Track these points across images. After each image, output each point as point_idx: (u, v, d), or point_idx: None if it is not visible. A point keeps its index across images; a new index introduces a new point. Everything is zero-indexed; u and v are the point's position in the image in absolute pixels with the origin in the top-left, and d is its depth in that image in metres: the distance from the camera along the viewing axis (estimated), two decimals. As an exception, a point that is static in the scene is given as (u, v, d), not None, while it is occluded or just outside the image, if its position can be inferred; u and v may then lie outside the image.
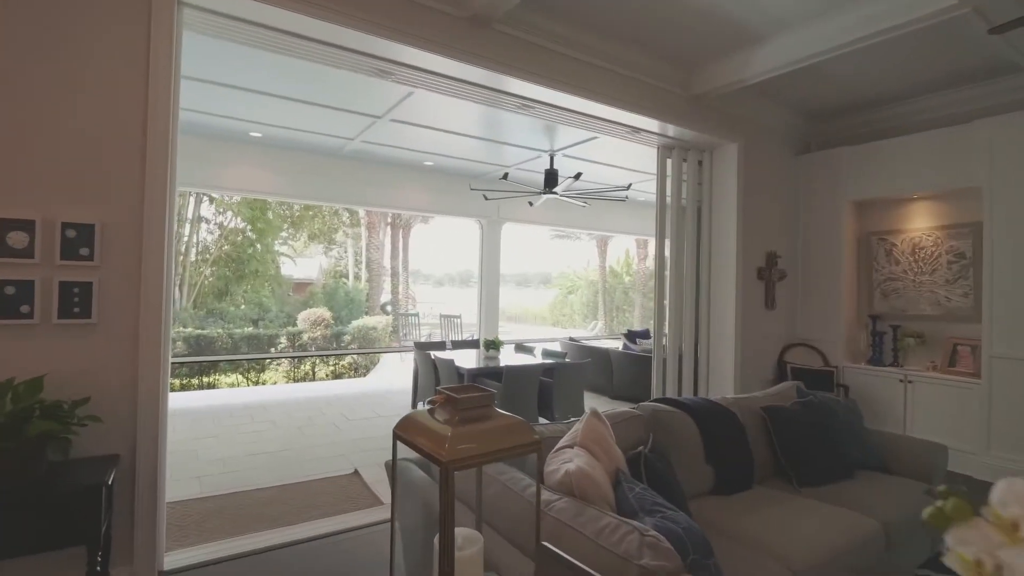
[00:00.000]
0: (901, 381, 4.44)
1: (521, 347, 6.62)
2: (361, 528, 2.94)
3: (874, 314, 4.83)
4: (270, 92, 4.49)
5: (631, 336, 8.77)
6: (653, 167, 6.88)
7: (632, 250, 20.05)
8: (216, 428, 5.14)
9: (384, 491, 3.62)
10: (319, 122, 5.30)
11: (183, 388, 8.83)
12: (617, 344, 10.74)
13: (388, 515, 3.10)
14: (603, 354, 7.20)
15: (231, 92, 4.48)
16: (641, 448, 1.82)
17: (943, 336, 4.46)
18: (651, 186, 7.80)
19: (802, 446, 2.63)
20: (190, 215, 12.64)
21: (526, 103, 3.56)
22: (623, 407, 2.32)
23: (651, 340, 8.66)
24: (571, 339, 8.36)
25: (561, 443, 1.77)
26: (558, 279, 22.54)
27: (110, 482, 1.83)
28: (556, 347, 7.79)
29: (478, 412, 0.93)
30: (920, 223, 4.64)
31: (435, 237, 21.93)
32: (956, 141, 4.15)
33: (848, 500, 2.35)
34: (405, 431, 0.95)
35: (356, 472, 3.99)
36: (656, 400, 2.53)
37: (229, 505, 3.37)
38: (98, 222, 2.07)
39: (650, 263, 19.60)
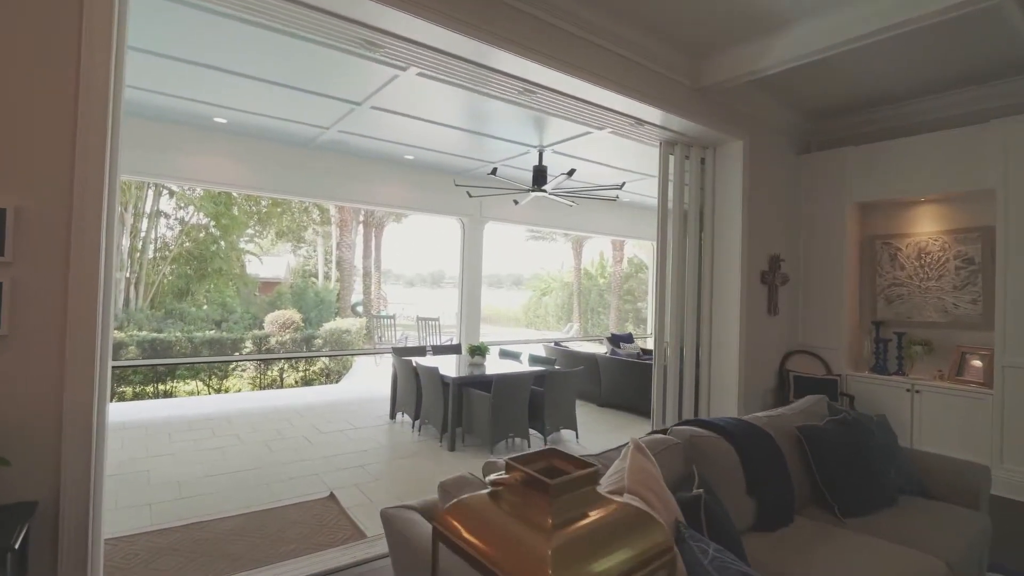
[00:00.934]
0: (908, 391, 4.27)
1: (506, 353, 6.27)
2: (342, 570, 2.54)
3: (877, 321, 4.66)
4: (238, 71, 4.02)
5: (615, 340, 8.52)
6: (643, 167, 6.69)
7: (607, 252, 19.93)
8: (172, 444, 4.62)
9: (365, 518, 3.22)
10: (292, 108, 4.84)
11: (136, 397, 8.14)
12: (595, 347, 10.49)
13: (373, 551, 2.72)
14: (590, 359, 6.91)
15: (193, 70, 3.99)
16: (700, 492, 1.50)
17: (950, 344, 4.31)
18: (639, 186, 7.59)
19: (842, 470, 2.37)
20: (148, 209, 11.87)
21: (528, 87, 3.22)
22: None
23: (635, 344, 8.47)
24: (556, 343, 8.05)
25: (605, 487, 1.43)
26: (531, 280, 22.30)
27: (17, 544, 1.41)
28: (539, 351, 7.48)
29: (579, 498, 0.58)
30: (926, 227, 4.49)
31: (408, 236, 21.41)
32: (968, 142, 3.99)
33: (902, 534, 2.08)
34: (458, 533, 0.59)
35: (332, 495, 3.58)
36: (687, 423, 2.22)
37: (185, 540, 2.92)
38: (11, 207, 1.63)
39: (626, 265, 19.53)
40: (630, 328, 17.85)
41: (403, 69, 3.85)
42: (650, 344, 10.41)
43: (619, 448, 1.84)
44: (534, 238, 19.90)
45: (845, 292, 4.67)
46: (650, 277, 10.73)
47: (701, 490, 1.50)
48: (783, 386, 4.68)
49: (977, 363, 4.08)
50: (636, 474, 1.45)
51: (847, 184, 4.64)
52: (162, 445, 4.58)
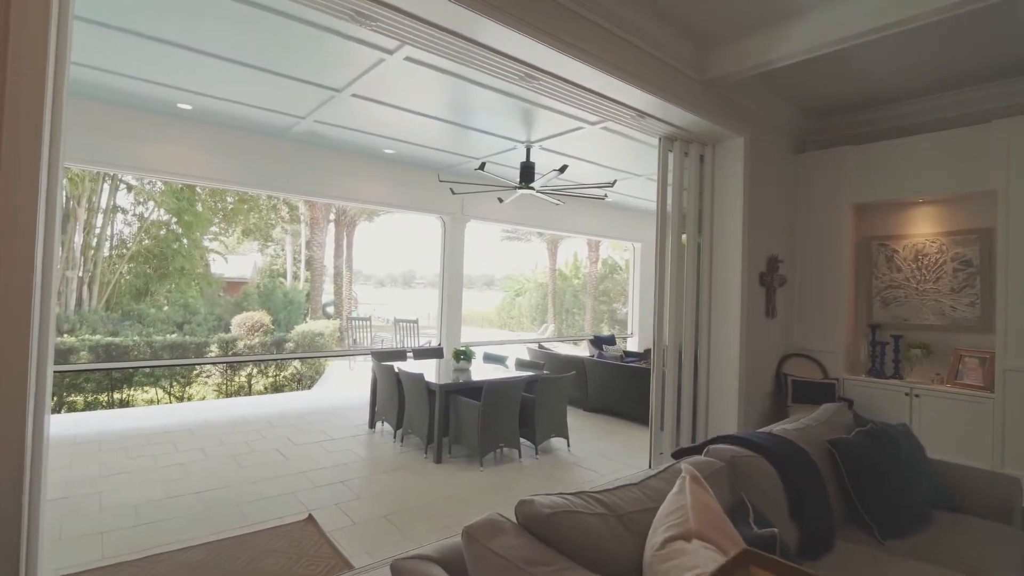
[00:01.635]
0: (907, 395, 4.19)
1: (491, 357, 6.01)
2: (328, 610, 2.24)
3: (873, 323, 4.59)
4: (205, 50, 3.65)
5: (598, 342, 8.35)
6: (630, 165, 6.52)
7: (582, 252, 19.85)
8: (128, 461, 4.19)
9: (348, 543, 2.92)
10: (266, 94, 4.47)
11: (88, 407, 7.53)
12: (571, 348, 10.29)
13: (362, 586, 2.42)
14: (577, 363, 6.71)
15: (153, 47, 3.59)
16: (775, 531, 1.28)
17: (947, 347, 4.26)
18: (625, 186, 7.43)
19: (877, 488, 2.20)
20: (103, 204, 11.13)
21: (530, 71, 2.97)
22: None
23: (617, 346, 8.31)
24: (540, 346, 7.82)
25: (665, 532, 1.20)
26: (503, 281, 22.06)
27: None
28: (521, 353, 7.23)
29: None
30: (923, 228, 4.43)
31: (380, 236, 20.91)
32: (970, 142, 3.94)
33: (950, 558, 1.92)
34: None
35: (310, 517, 3.25)
36: (721, 440, 2.01)
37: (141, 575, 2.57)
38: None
39: (601, 266, 19.49)
40: (606, 329, 17.80)
41: (390, 53, 3.56)
42: (630, 346, 10.31)
43: (659, 475, 1.61)
44: (508, 238, 19.69)
45: (842, 294, 4.59)
46: (631, 277, 10.62)
47: (776, 529, 1.29)
48: (780, 390, 4.57)
49: (976, 366, 4.03)
50: (701, 514, 1.22)
51: (846, 184, 4.55)
52: (117, 462, 4.15)
